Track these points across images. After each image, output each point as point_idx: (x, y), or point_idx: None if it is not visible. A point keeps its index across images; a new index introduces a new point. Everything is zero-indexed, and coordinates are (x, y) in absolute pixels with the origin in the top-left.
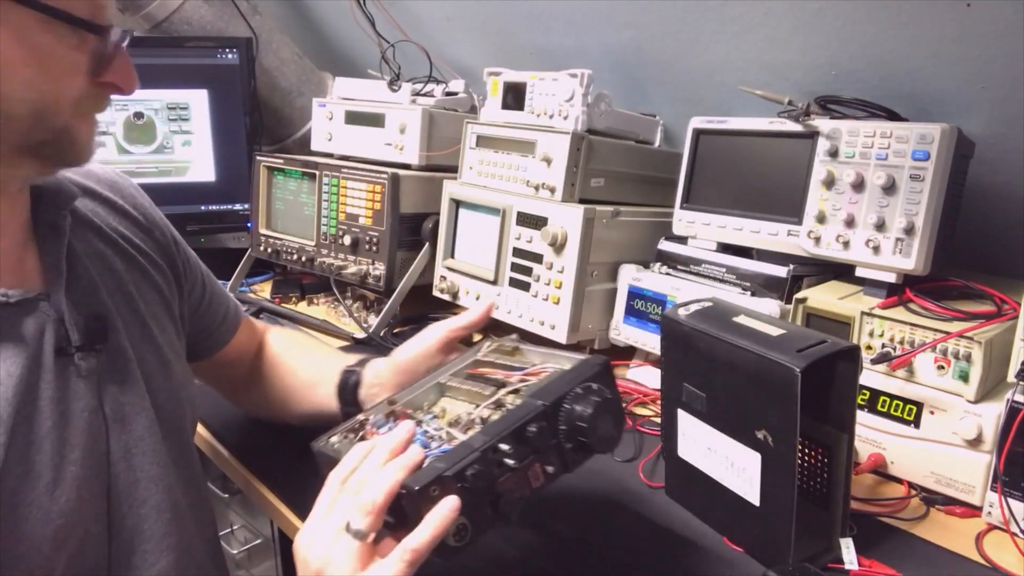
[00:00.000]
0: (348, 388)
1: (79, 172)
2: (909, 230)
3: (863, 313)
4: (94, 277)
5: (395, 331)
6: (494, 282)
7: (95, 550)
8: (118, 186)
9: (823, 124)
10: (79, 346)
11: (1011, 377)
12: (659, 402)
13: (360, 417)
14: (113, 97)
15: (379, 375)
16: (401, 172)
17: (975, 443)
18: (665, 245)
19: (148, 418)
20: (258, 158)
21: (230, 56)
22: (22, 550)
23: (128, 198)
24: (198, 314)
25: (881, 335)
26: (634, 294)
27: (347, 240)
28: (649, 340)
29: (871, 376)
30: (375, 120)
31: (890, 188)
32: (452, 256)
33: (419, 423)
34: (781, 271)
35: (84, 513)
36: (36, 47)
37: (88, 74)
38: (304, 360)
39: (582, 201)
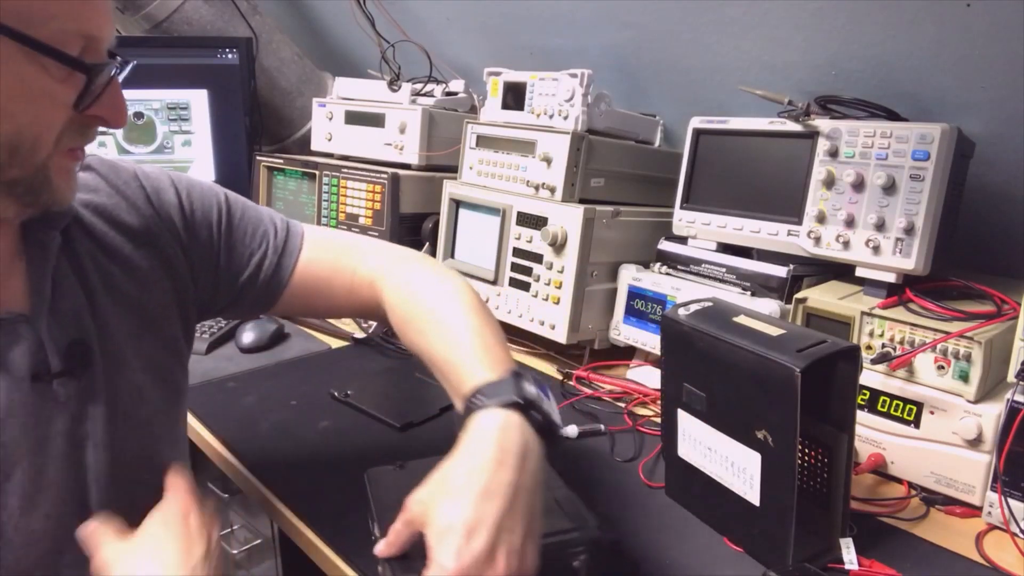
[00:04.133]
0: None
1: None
2: (909, 230)
3: (863, 313)
4: (81, 299)
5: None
6: (494, 282)
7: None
8: (115, 188)
9: (823, 124)
10: (58, 372)
11: (1011, 377)
12: (659, 402)
13: None
14: None
15: None
16: (401, 172)
17: (975, 443)
18: (665, 245)
19: (120, 443)
20: (258, 158)
21: (230, 56)
22: None
23: (122, 198)
24: (231, 271)
25: (881, 335)
26: (634, 294)
27: None
28: (649, 340)
29: (871, 376)
30: (375, 120)
31: (890, 188)
32: (452, 256)
33: None
34: (781, 271)
35: (60, 538)
36: (20, 78)
37: (73, 108)
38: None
39: (582, 201)
